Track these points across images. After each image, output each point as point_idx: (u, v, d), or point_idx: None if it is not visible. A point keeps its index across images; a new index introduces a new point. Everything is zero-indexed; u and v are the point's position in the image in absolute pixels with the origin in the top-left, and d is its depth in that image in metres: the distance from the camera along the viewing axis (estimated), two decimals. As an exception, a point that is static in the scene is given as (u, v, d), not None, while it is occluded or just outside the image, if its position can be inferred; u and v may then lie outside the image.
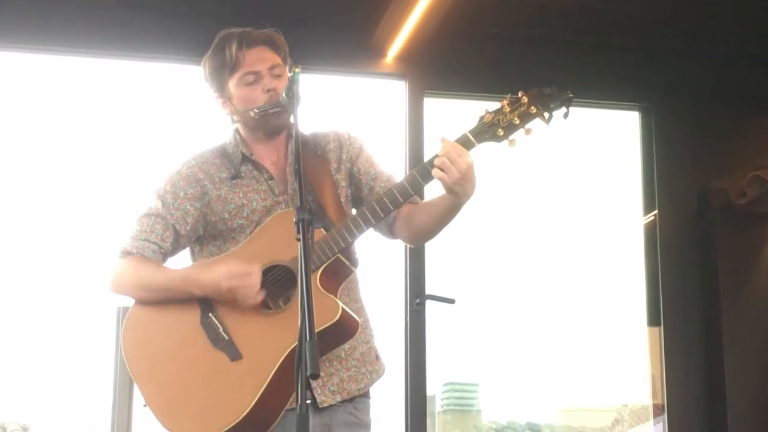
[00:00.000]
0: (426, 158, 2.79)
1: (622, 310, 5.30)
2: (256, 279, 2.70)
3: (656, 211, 5.15)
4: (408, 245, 3.09)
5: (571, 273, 5.32)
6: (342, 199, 2.94)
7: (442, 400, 5.46)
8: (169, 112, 4.86)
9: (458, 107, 5.06)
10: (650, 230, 5.18)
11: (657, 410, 5.11)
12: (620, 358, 5.30)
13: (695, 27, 5.00)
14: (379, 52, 4.88)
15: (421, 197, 2.97)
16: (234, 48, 2.90)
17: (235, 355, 2.71)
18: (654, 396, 5.15)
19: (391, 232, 2.95)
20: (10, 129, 4.82)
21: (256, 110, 2.86)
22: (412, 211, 2.90)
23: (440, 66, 4.93)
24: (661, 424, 5.02)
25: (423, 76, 4.94)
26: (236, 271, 2.71)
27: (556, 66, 4.93)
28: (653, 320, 5.12)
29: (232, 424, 2.64)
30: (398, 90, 4.98)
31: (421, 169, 2.76)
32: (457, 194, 2.71)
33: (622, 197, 5.35)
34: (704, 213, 5.08)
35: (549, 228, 5.34)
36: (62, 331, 4.78)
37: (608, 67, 5.10)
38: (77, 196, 4.83)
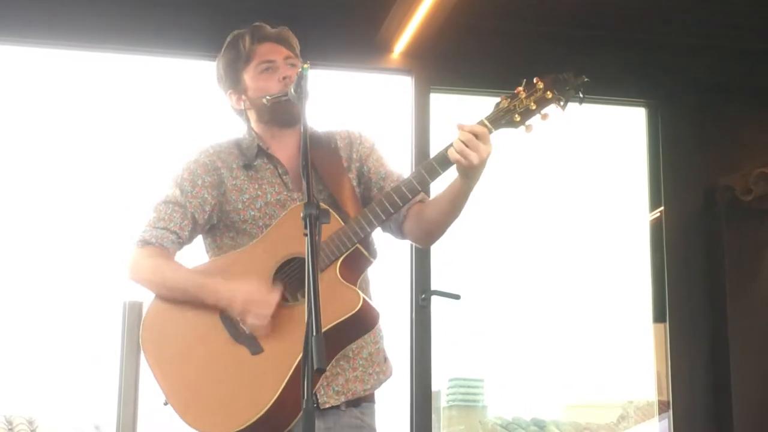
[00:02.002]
0: (432, 154, 2.77)
1: (627, 306, 5.30)
2: (270, 310, 2.66)
3: (662, 208, 5.14)
4: (418, 245, 3.04)
5: (577, 269, 5.32)
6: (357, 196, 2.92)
7: (448, 395, 5.46)
8: (180, 108, 4.87)
9: (464, 103, 5.06)
10: (656, 227, 5.17)
11: (662, 406, 5.11)
12: (626, 354, 5.30)
13: (702, 23, 4.99)
14: (386, 47, 4.88)
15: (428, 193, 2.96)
16: (247, 41, 2.91)
17: (256, 348, 2.68)
18: (659, 392, 5.14)
19: (401, 231, 2.92)
20: (20, 124, 4.83)
21: (268, 97, 2.85)
22: (422, 208, 2.87)
23: (446, 61, 4.93)
24: (666, 420, 5.02)
25: (429, 72, 4.94)
26: (255, 298, 2.67)
27: (562, 61, 4.83)
28: (659, 316, 5.11)
29: (254, 419, 2.60)
30: (404, 85, 4.97)
31: (438, 156, 2.71)
32: (471, 178, 2.68)
33: (628, 193, 5.34)
34: (710, 209, 5.07)
35: (555, 224, 5.34)
36: (68, 324, 4.79)
37: (615, 63, 5.08)
38: (88, 191, 4.85)
